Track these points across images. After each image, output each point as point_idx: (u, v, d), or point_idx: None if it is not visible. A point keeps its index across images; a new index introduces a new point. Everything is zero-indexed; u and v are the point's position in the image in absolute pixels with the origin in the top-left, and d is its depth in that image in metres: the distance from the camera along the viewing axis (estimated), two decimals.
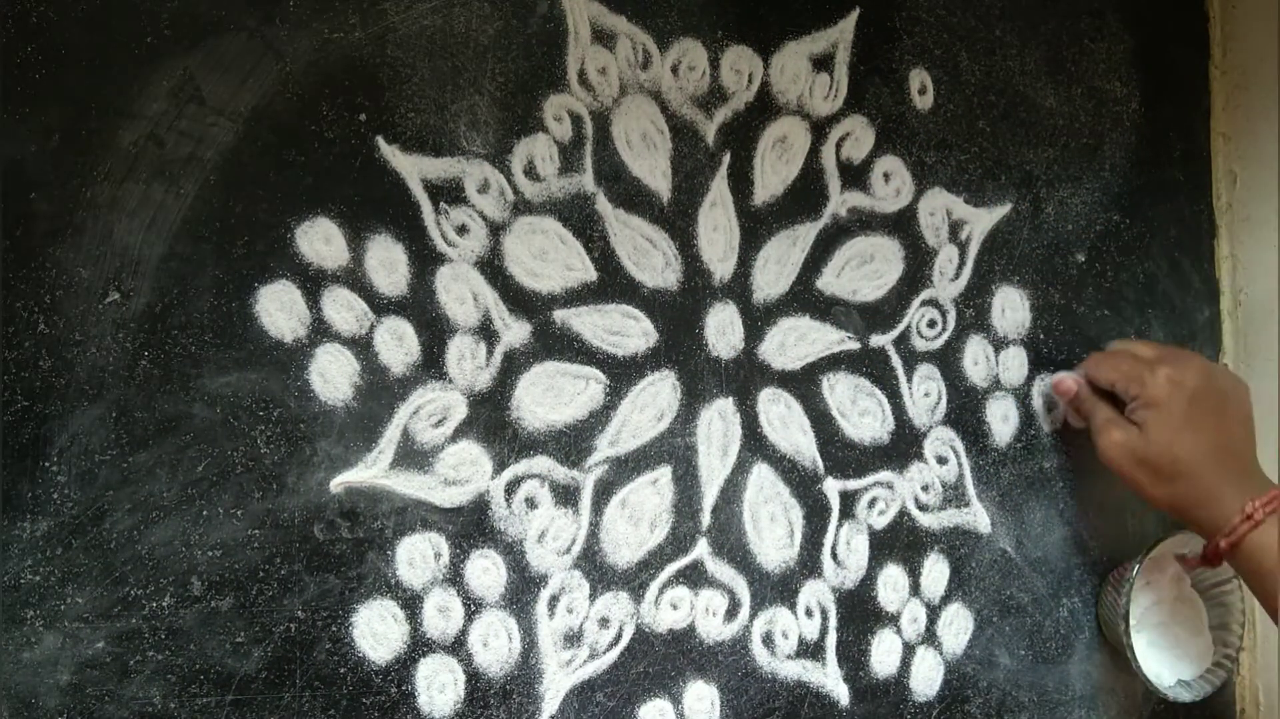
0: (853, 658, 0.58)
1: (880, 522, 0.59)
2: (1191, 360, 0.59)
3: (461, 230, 0.49)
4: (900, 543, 0.60)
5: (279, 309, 0.46)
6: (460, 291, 0.49)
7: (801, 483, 0.57)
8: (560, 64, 0.51)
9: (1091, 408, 0.61)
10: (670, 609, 0.54)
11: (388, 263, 0.48)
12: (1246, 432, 0.59)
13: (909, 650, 0.60)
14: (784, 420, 0.57)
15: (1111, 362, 0.60)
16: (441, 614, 0.48)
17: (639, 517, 0.53)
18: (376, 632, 0.47)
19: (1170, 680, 0.66)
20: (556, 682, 0.51)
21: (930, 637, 0.61)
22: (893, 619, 0.60)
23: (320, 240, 0.46)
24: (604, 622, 0.52)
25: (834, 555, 0.58)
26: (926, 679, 0.60)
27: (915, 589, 0.60)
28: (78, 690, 0.42)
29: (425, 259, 0.48)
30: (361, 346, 0.47)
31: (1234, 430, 0.57)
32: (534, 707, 0.50)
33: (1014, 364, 0.64)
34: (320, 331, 0.46)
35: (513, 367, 0.50)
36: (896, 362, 0.60)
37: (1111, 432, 0.58)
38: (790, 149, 0.57)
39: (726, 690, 0.55)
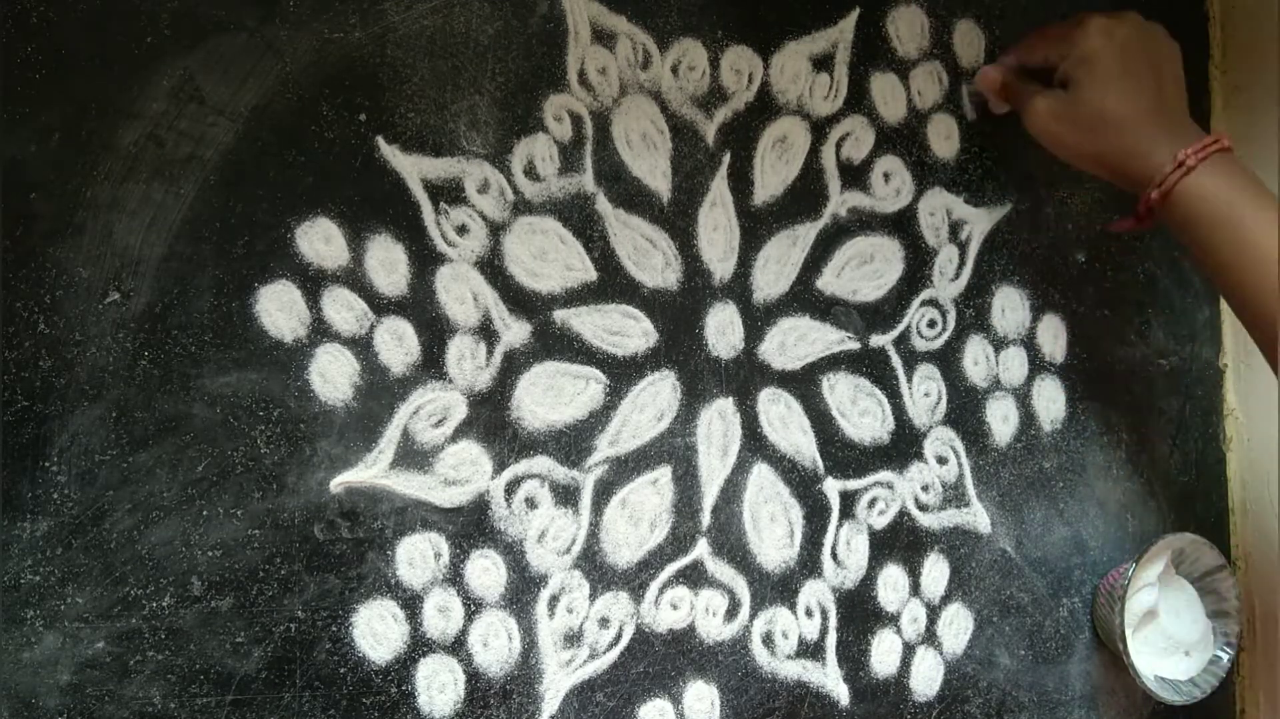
0: (853, 658, 0.58)
1: (880, 522, 0.59)
2: (1123, 15, 0.55)
3: (461, 230, 0.49)
4: (900, 543, 0.60)
5: (279, 309, 0.46)
6: (460, 292, 0.49)
7: (801, 483, 0.57)
8: (560, 64, 0.51)
9: (1018, 88, 0.58)
10: (670, 609, 0.54)
11: (388, 263, 0.48)
12: (1179, 89, 0.55)
13: (909, 650, 0.60)
14: (784, 420, 0.57)
15: (1038, 34, 0.58)
16: (441, 614, 0.48)
17: (639, 517, 0.53)
18: (376, 632, 0.47)
19: (1171, 684, 0.66)
20: (556, 682, 0.51)
21: (930, 637, 0.61)
22: (893, 619, 0.60)
23: (320, 240, 0.46)
24: (604, 622, 0.52)
25: (834, 555, 0.58)
26: (926, 679, 0.60)
27: (915, 589, 0.60)
28: (78, 690, 0.42)
29: (425, 259, 0.48)
30: (361, 347, 0.47)
31: (1167, 86, 0.54)
32: (534, 707, 0.50)
33: (1014, 364, 0.64)
34: (320, 332, 0.46)
35: (513, 367, 0.50)
36: (896, 362, 0.60)
37: (1037, 101, 0.56)
38: (790, 149, 0.57)
39: (726, 690, 0.55)
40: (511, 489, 0.50)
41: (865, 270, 0.59)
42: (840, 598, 0.58)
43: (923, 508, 0.61)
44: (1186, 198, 0.52)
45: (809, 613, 0.57)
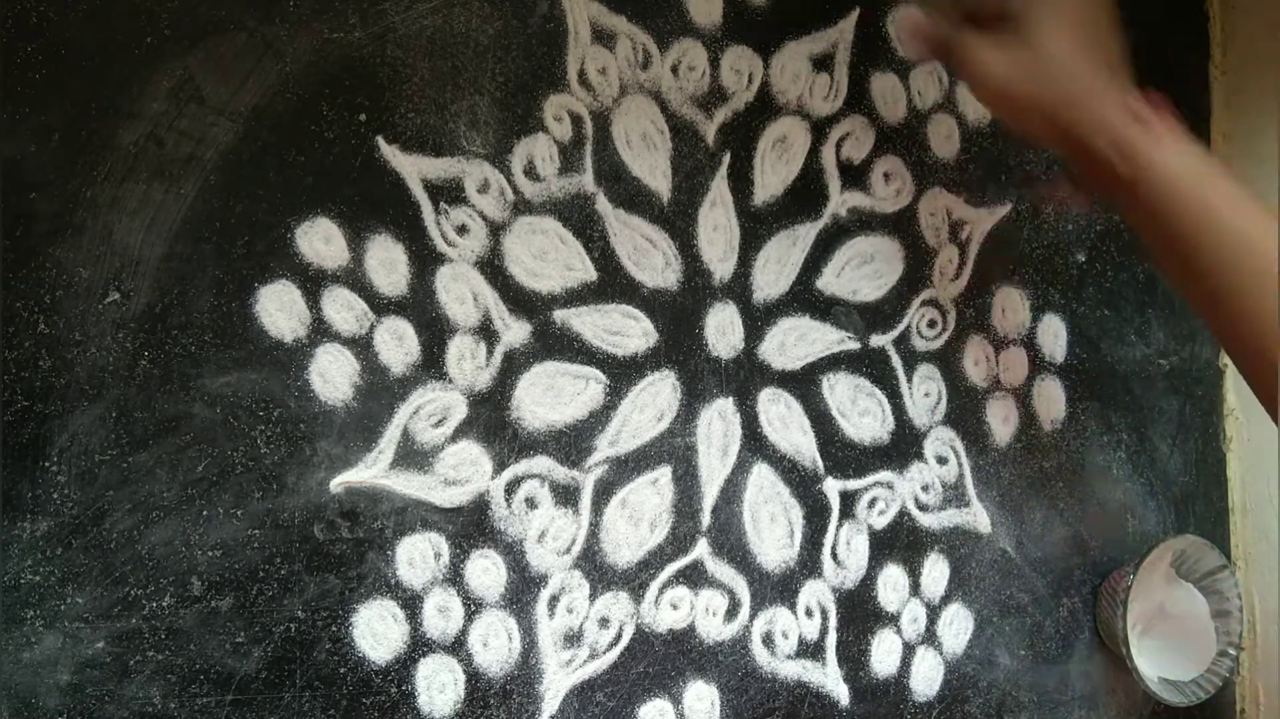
0: (853, 658, 0.58)
1: (880, 522, 0.59)
2: None
3: (461, 230, 0.49)
4: (900, 543, 0.60)
5: (279, 309, 0.46)
6: (460, 291, 0.49)
7: (801, 483, 0.57)
8: (560, 64, 0.51)
9: (949, 36, 0.50)
10: (670, 609, 0.54)
11: (388, 263, 0.48)
12: (1115, 42, 0.49)
13: (909, 650, 0.60)
14: (784, 420, 0.57)
15: None
16: (441, 614, 0.48)
17: (639, 517, 0.53)
18: (376, 632, 0.47)
19: (1174, 685, 0.66)
20: (556, 682, 0.51)
21: (930, 637, 0.61)
22: (893, 619, 0.60)
23: (320, 240, 0.46)
24: (604, 622, 0.52)
25: (834, 555, 0.58)
26: (926, 679, 0.60)
27: (915, 589, 0.60)
28: (78, 690, 0.42)
29: (425, 259, 0.48)
30: (361, 347, 0.47)
31: (1109, 38, 0.48)
32: (534, 707, 0.50)
33: (1014, 364, 0.64)
34: (320, 332, 0.46)
35: (513, 366, 0.50)
36: (897, 362, 0.60)
37: (981, 50, 0.48)
38: (790, 149, 0.57)
39: (726, 690, 0.55)
40: (511, 489, 0.50)
41: (865, 270, 0.59)
42: (840, 598, 0.58)
43: (923, 508, 0.60)
44: (1161, 175, 0.45)
45: (809, 613, 0.57)
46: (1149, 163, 0.45)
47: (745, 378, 0.56)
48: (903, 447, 0.60)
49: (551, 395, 0.51)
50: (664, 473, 0.54)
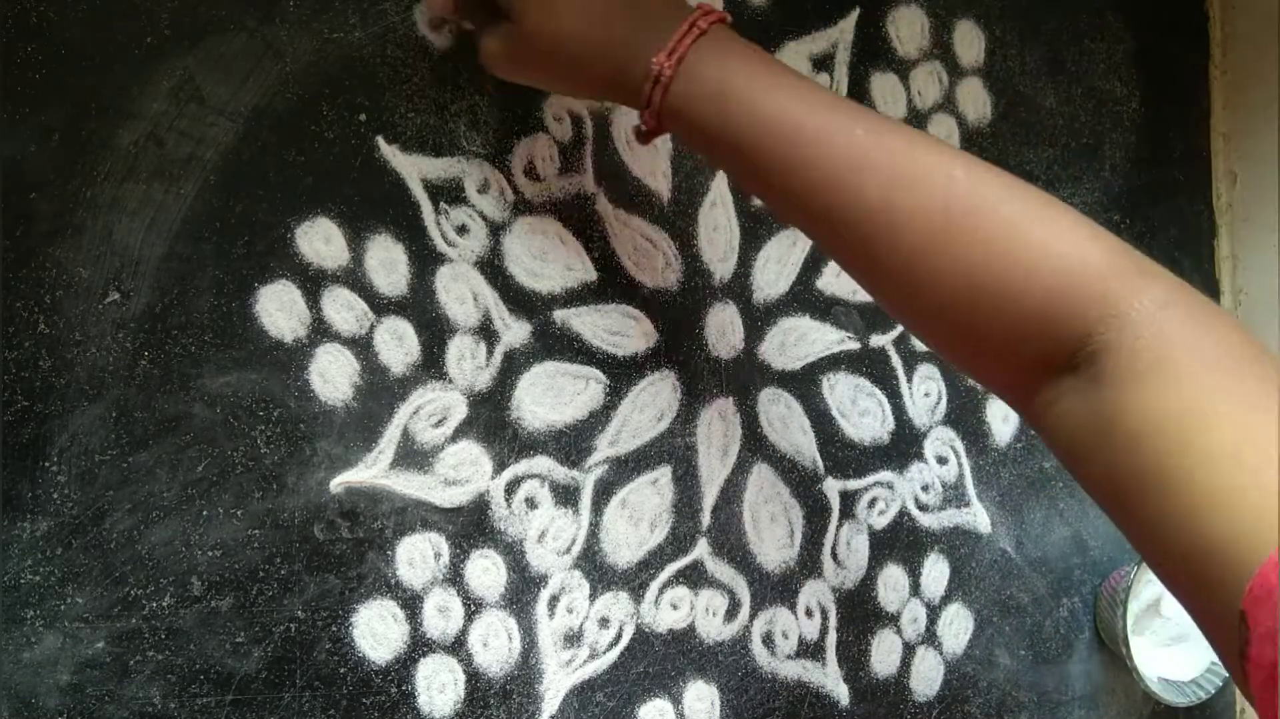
0: (853, 658, 0.58)
1: (880, 522, 0.59)
2: None
3: (461, 230, 0.49)
4: (900, 543, 0.60)
5: (279, 309, 0.46)
6: (460, 291, 0.49)
7: (801, 483, 0.57)
8: None
9: (473, 21, 0.46)
10: (670, 609, 0.54)
11: (388, 263, 0.48)
12: None
13: (909, 650, 0.60)
14: (784, 420, 0.57)
15: None
16: (441, 614, 0.48)
17: (639, 517, 0.53)
18: (376, 632, 0.47)
19: (1175, 685, 0.66)
20: (556, 682, 0.51)
21: (930, 637, 0.61)
22: (893, 619, 0.60)
23: (320, 240, 0.46)
24: (604, 622, 0.52)
25: (834, 555, 0.58)
26: (926, 679, 0.60)
27: (915, 589, 0.60)
28: (78, 690, 0.42)
29: (425, 259, 0.48)
30: (361, 347, 0.47)
31: None
32: (534, 707, 0.50)
33: None
34: (320, 332, 0.46)
35: (513, 366, 0.50)
36: (897, 361, 0.60)
37: (484, 42, 0.45)
38: None
39: (726, 690, 0.55)
40: (511, 489, 0.50)
41: None
42: (840, 598, 0.58)
43: (923, 508, 0.60)
44: (680, 108, 0.41)
45: (809, 613, 0.57)
46: (675, 109, 0.42)
47: (745, 378, 0.56)
48: (903, 447, 0.60)
49: (551, 395, 0.51)
50: (664, 473, 0.54)
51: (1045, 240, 0.37)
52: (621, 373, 0.53)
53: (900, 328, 0.60)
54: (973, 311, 0.38)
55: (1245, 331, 0.35)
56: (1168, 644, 0.66)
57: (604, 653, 0.52)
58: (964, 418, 0.62)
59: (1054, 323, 0.36)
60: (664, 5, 0.42)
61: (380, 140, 0.47)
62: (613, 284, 0.53)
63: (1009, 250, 0.37)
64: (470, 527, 0.49)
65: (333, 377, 0.47)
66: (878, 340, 0.59)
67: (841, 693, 0.58)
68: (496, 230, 0.50)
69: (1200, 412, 0.32)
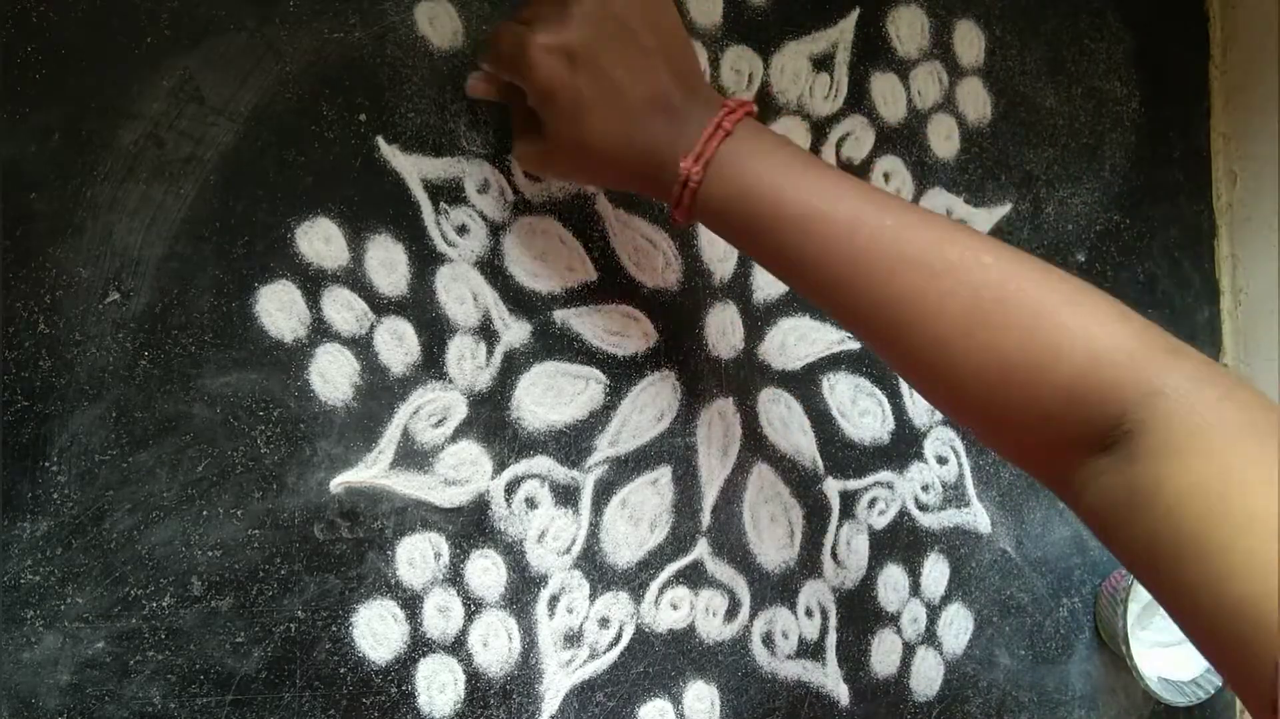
0: (853, 658, 0.58)
1: (880, 522, 0.59)
2: (569, 5, 0.41)
3: (461, 230, 0.49)
4: (900, 543, 0.60)
5: (279, 309, 0.46)
6: (460, 291, 0.49)
7: (801, 483, 0.57)
8: None
9: (515, 116, 0.47)
10: (670, 609, 0.54)
11: (388, 263, 0.48)
12: (679, 52, 0.43)
13: (909, 650, 0.60)
14: (784, 420, 0.57)
15: (493, 46, 0.45)
16: (441, 614, 0.48)
17: (639, 517, 0.53)
18: (376, 632, 0.47)
19: (1175, 685, 0.66)
20: (556, 682, 0.51)
21: (930, 637, 0.61)
22: (893, 619, 0.60)
23: (320, 240, 0.46)
24: (604, 622, 0.52)
25: (834, 555, 0.58)
26: (926, 679, 0.60)
27: (915, 589, 0.60)
28: (78, 690, 0.42)
29: (425, 259, 0.48)
30: (361, 347, 0.47)
31: (657, 65, 0.42)
32: (534, 707, 0.50)
33: None
34: (320, 332, 0.46)
35: (513, 367, 0.50)
36: None
37: (517, 148, 0.47)
38: None
39: (726, 690, 0.55)
40: (511, 489, 0.50)
41: None
42: (840, 598, 0.58)
43: (923, 508, 0.60)
44: (707, 210, 0.43)
45: (809, 613, 0.57)
46: (699, 205, 0.43)
47: (745, 378, 0.56)
48: (903, 447, 0.60)
49: (551, 395, 0.51)
50: (664, 473, 0.54)
51: (1075, 324, 0.38)
52: (621, 373, 0.53)
53: None
54: (1006, 396, 0.38)
55: (1272, 402, 0.36)
56: (1168, 644, 0.66)
57: (604, 653, 0.52)
58: None
59: (1087, 404, 0.37)
60: (689, 102, 0.43)
61: (380, 140, 0.47)
62: (613, 284, 0.53)
63: (1040, 335, 0.37)
64: (470, 527, 0.49)
65: (333, 377, 0.47)
66: None
67: (841, 693, 0.58)
68: (496, 230, 0.50)
69: (1235, 480, 0.33)
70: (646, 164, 0.43)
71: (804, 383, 0.57)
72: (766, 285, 0.57)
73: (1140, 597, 0.65)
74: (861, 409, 0.59)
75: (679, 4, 0.54)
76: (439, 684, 0.48)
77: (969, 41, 0.63)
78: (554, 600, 0.51)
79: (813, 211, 0.40)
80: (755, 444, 0.56)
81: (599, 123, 0.42)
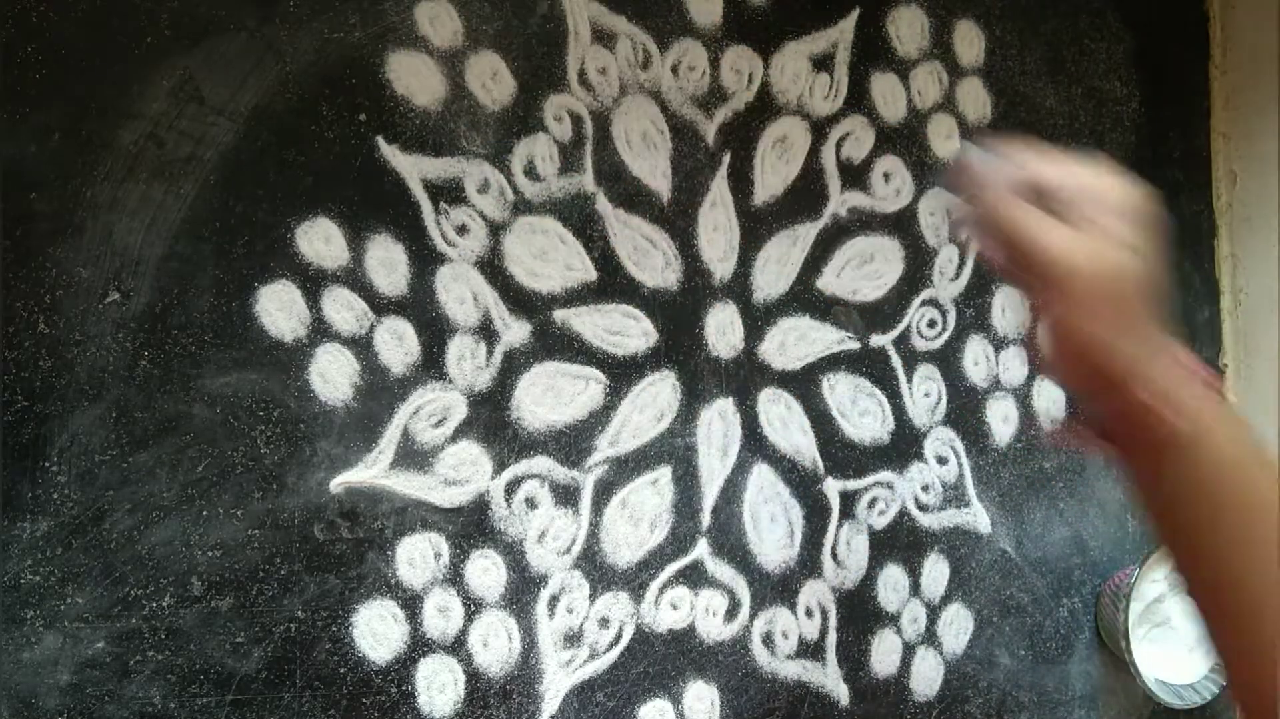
0: (853, 658, 0.58)
1: (880, 522, 0.59)
2: (1087, 234, 0.40)
3: (461, 230, 0.49)
4: (900, 543, 0.60)
5: (279, 309, 0.46)
6: (460, 291, 0.49)
7: (801, 483, 0.57)
8: (560, 64, 0.51)
9: (1034, 219, 0.41)
10: (670, 609, 0.54)
11: (388, 263, 0.48)
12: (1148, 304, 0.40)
13: (909, 650, 0.60)
14: (784, 420, 0.57)
15: (1010, 268, 0.41)
16: (441, 614, 0.48)
17: (639, 517, 0.53)
18: (376, 632, 0.47)
19: (1172, 688, 0.66)
20: (556, 682, 0.51)
21: (930, 637, 0.61)
22: (893, 619, 0.60)
23: (320, 240, 0.46)
24: (604, 622, 0.52)
25: (834, 555, 0.58)
26: (926, 679, 0.60)
27: (915, 589, 0.60)
28: (78, 690, 0.42)
29: (425, 259, 0.48)
30: (361, 347, 0.47)
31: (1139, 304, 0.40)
32: (534, 707, 0.50)
33: (1014, 364, 0.64)
34: (320, 331, 0.46)
35: (513, 367, 0.50)
36: (896, 361, 0.60)
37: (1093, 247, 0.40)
38: (790, 149, 0.57)
39: (726, 690, 0.55)
40: (511, 489, 0.50)
41: (865, 270, 0.59)
42: (840, 598, 0.58)
43: (923, 508, 0.60)
44: (1218, 441, 0.39)
45: (809, 613, 0.57)
46: (1209, 427, 0.39)
47: (745, 378, 0.56)
48: (903, 447, 0.60)
49: (551, 395, 0.51)
50: (664, 473, 0.54)
51: None
52: (621, 373, 0.53)
53: (900, 328, 0.60)
54: None
55: None
56: (1168, 645, 0.66)
57: (604, 653, 0.52)
58: (964, 418, 0.62)
59: None
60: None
61: (380, 140, 0.47)
62: (613, 284, 0.53)
63: None
64: (470, 527, 0.49)
65: (333, 377, 0.47)
66: (878, 340, 0.59)
67: (841, 693, 0.58)
68: (496, 230, 0.50)
69: None
70: (1135, 362, 0.39)
71: (804, 383, 0.57)
72: (766, 285, 0.57)
73: (1141, 596, 0.65)
74: (861, 409, 0.59)
75: (679, 4, 0.54)
76: (439, 684, 0.48)
77: (969, 41, 0.63)
78: (554, 600, 0.51)
79: None
80: (755, 444, 0.56)
81: (1093, 313, 0.39)
